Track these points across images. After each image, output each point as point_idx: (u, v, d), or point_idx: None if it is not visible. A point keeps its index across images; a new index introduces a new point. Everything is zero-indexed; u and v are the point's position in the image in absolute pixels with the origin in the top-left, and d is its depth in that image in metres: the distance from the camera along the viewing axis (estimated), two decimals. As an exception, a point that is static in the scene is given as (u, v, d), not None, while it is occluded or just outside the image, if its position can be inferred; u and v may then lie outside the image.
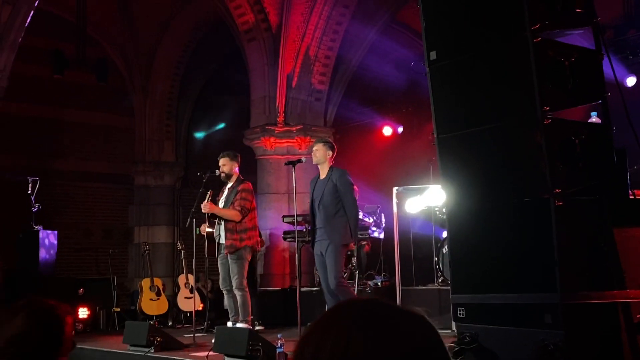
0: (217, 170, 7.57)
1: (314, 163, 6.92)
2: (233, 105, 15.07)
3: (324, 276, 6.78)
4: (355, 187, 10.50)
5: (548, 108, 4.05)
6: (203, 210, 7.18)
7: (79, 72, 12.34)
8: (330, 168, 6.80)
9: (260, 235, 10.39)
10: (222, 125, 15.55)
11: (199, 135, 15.78)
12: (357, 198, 10.27)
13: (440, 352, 1.21)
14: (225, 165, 7.41)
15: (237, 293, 7.13)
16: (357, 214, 6.84)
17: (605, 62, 4.43)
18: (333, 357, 1.13)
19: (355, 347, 1.13)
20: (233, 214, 7.15)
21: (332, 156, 6.86)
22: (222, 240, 7.22)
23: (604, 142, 4.34)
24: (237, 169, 7.47)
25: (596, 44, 4.41)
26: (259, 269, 11.75)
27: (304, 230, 10.24)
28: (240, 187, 7.28)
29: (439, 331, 1.26)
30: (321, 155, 6.79)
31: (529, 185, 4.24)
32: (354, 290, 9.17)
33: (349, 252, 9.83)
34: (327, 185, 6.71)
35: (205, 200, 7.20)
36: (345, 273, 9.37)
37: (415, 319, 1.20)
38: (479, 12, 4.53)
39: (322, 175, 6.82)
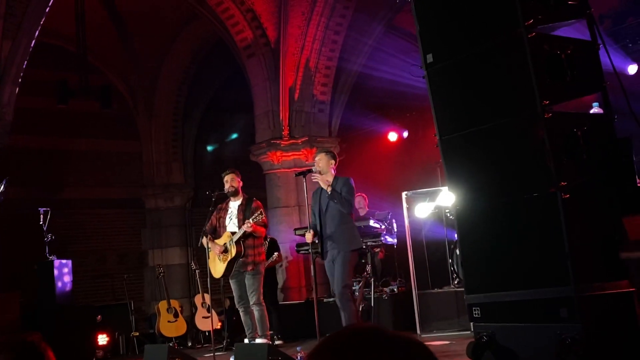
0: (225, 188, 7.60)
1: (316, 172, 6.86)
2: (237, 122, 15.14)
3: (332, 285, 6.82)
4: (363, 195, 10.53)
5: (548, 102, 4.04)
6: (247, 230, 7.08)
7: (84, 101, 12.43)
8: (335, 178, 6.79)
9: (278, 249, 10.45)
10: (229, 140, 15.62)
11: (209, 148, 15.83)
12: (366, 209, 10.28)
13: None
14: (234, 180, 7.49)
15: (255, 308, 7.13)
16: (348, 208, 6.67)
17: (605, 52, 4.43)
18: None
19: None
20: (263, 230, 7.34)
21: (334, 165, 6.87)
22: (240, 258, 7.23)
23: (607, 132, 4.33)
24: (240, 186, 7.56)
25: (591, 34, 4.40)
26: (280, 282, 11.78)
27: (317, 241, 10.26)
28: (254, 205, 7.37)
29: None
30: (324, 165, 6.80)
31: (535, 181, 4.22)
32: (358, 300, 9.15)
33: (362, 261, 9.82)
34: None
35: (251, 219, 7.11)
36: (361, 281, 9.37)
37: (416, 348, 1.18)
38: (472, 11, 4.53)
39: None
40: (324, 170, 6.79)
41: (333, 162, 6.85)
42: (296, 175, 7.49)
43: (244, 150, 13.09)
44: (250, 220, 7.08)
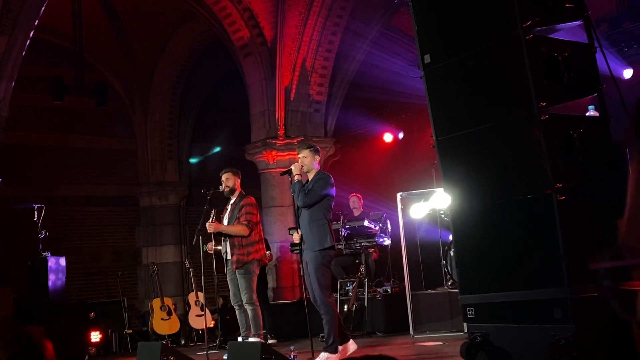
0: (220, 187, 7.56)
1: (304, 172, 6.52)
2: (233, 121, 15.13)
3: (309, 287, 6.42)
4: (358, 196, 10.52)
5: (544, 104, 4.06)
6: (209, 230, 7.12)
7: (79, 98, 12.41)
8: (318, 172, 6.50)
9: (269, 249, 10.43)
10: (220, 146, 15.66)
11: (198, 157, 15.88)
12: (361, 210, 10.24)
13: None
14: (229, 179, 7.41)
15: (248, 308, 7.11)
16: (308, 201, 6.30)
17: (601, 56, 4.45)
18: None
19: None
20: (240, 229, 7.11)
21: (318, 161, 6.56)
22: (229, 256, 7.20)
23: (603, 134, 4.35)
24: (239, 184, 7.48)
25: (588, 37, 4.43)
26: (271, 283, 11.75)
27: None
28: (243, 202, 7.27)
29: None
30: (309, 162, 6.47)
31: (531, 182, 4.25)
32: (351, 301, 9.18)
33: (357, 261, 9.82)
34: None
35: (210, 219, 7.17)
36: (354, 282, 9.37)
37: None
38: (470, 13, 4.55)
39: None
40: (309, 167, 6.46)
41: (318, 157, 6.55)
42: (281, 174, 7.25)
43: (240, 149, 13.08)
44: (209, 220, 7.10)
